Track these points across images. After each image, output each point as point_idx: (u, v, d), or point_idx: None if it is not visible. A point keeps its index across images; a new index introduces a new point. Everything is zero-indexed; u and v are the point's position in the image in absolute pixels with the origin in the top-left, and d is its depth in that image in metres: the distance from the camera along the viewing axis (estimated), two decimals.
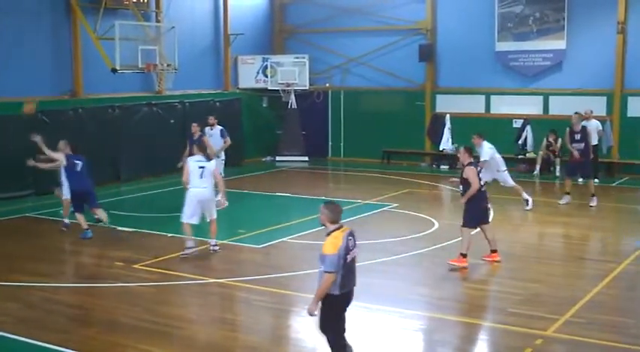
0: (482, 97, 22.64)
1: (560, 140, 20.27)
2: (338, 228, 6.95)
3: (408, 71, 23.52)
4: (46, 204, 15.82)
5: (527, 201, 16.00)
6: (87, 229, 13.60)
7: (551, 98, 21.72)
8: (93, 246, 13.15)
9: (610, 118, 20.82)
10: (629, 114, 20.77)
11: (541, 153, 20.93)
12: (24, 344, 8.45)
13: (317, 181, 21.60)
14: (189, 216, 12.22)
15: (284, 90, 24.48)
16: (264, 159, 24.86)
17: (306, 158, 24.54)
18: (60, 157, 13.68)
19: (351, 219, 14.74)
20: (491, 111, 22.62)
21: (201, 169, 12.10)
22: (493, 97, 22.56)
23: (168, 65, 19.82)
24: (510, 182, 15.84)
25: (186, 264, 11.91)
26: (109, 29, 18.52)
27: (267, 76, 24.51)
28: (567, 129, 16.69)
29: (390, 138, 23.94)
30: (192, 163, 12.22)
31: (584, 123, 17.33)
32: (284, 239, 13.37)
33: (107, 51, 18.48)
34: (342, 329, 7.12)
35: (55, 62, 18.93)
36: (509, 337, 8.65)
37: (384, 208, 16.28)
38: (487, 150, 15.18)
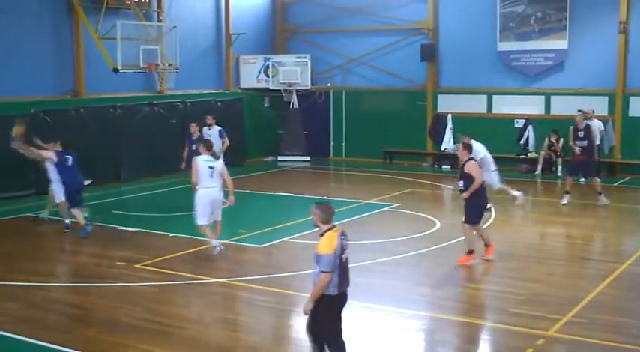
0: (484, 97, 22.63)
1: (562, 140, 20.28)
2: (331, 228, 6.95)
3: (410, 71, 23.50)
4: (47, 204, 15.78)
5: (516, 196, 15.94)
6: (86, 224, 13.63)
7: (552, 98, 21.70)
8: (94, 245, 13.14)
9: (612, 118, 20.80)
10: (630, 114, 20.75)
11: (543, 153, 20.92)
12: (25, 344, 8.44)
13: (319, 181, 21.60)
14: (204, 217, 12.07)
15: (285, 90, 24.49)
16: (265, 159, 24.86)
17: (308, 158, 24.53)
18: (50, 155, 13.73)
19: (353, 218, 14.76)
20: (493, 111, 22.60)
21: (210, 169, 11.98)
22: (495, 97, 22.54)
23: (169, 65, 19.82)
24: (497, 184, 15.63)
25: (188, 264, 11.92)
26: (111, 29, 18.53)
27: (268, 76, 24.51)
28: (571, 127, 16.65)
29: (391, 138, 23.94)
30: (202, 163, 12.02)
31: (587, 122, 17.29)
32: (285, 239, 13.37)
33: (109, 51, 18.49)
34: (339, 329, 7.12)
35: (57, 62, 18.94)
36: (510, 337, 8.64)
37: (386, 208, 16.27)
38: (480, 149, 14.94)
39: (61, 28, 19.03)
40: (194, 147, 15.91)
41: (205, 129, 17.08)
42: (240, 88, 24.66)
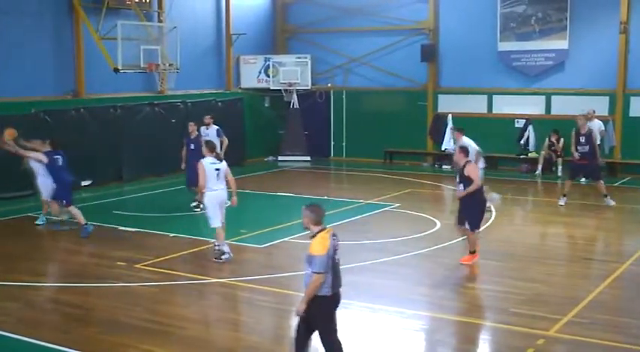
0: (485, 97, 22.62)
1: (562, 140, 20.27)
2: (322, 230, 6.94)
3: (410, 71, 23.50)
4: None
5: (492, 198, 15.42)
6: (86, 223, 13.61)
7: (553, 98, 21.69)
8: (94, 245, 13.13)
9: (612, 118, 20.79)
10: (631, 114, 20.74)
11: (543, 153, 20.91)
12: (25, 344, 8.44)
13: (319, 181, 21.60)
14: (217, 219, 11.95)
15: (286, 90, 24.49)
16: (266, 159, 24.86)
17: (309, 158, 24.53)
18: (41, 157, 13.70)
19: (353, 218, 14.74)
20: (494, 111, 22.59)
21: (217, 171, 11.91)
22: (495, 97, 22.53)
23: (170, 65, 19.82)
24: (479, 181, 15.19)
25: (188, 264, 11.92)
26: (112, 29, 18.53)
27: (269, 76, 24.51)
28: (573, 131, 16.43)
29: (392, 138, 23.93)
30: (208, 166, 11.90)
31: (589, 125, 17.17)
32: (286, 239, 13.34)
33: (109, 51, 18.49)
34: (334, 329, 7.11)
35: (58, 62, 18.94)
36: (511, 337, 8.63)
37: (386, 208, 16.26)
38: (471, 143, 14.68)
39: (62, 28, 19.04)
40: (192, 146, 15.90)
41: (203, 128, 17.07)
42: (240, 88, 24.66)
